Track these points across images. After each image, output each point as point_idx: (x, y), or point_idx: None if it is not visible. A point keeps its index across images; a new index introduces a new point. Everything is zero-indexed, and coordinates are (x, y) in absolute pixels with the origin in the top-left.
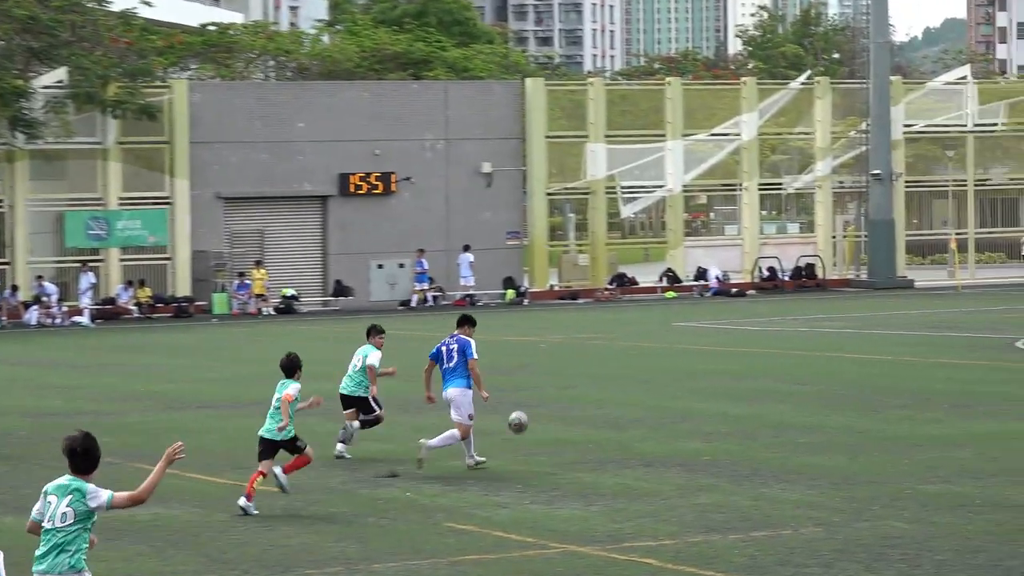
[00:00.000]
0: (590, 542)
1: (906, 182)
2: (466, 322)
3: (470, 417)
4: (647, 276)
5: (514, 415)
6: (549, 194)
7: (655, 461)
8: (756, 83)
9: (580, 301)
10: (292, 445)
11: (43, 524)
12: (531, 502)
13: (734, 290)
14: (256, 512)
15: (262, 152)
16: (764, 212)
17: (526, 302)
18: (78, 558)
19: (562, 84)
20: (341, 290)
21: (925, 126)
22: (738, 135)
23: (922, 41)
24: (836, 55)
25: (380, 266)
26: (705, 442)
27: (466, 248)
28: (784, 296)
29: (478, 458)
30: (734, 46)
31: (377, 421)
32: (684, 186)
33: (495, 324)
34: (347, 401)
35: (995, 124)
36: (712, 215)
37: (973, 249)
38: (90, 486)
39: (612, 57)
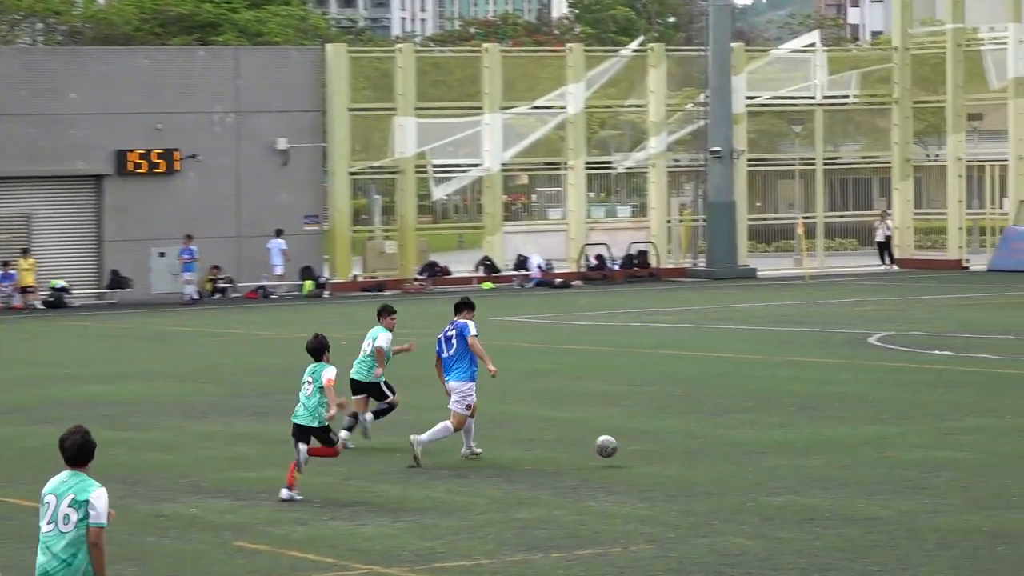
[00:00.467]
0: (397, 562)
1: (748, 160)
2: (464, 307)
3: (468, 407)
4: (461, 265)
5: (603, 441)
6: (352, 174)
7: (469, 472)
8: (583, 50)
9: (387, 293)
10: (324, 435)
11: (42, 528)
12: (331, 518)
13: (558, 280)
14: (300, 498)
15: (28, 126)
16: (592, 194)
17: (326, 294)
18: (88, 562)
19: (367, 51)
20: (118, 281)
21: (769, 98)
22: (563, 108)
23: (767, 4)
24: (672, 19)
25: (162, 254)
26: (525, 450)
27: (278, 233)
28: (614, 287)
29: (476, 449)
30: (559, 9)
31: (391, 408)
32: (503, 165)
33: (291, 319)
34: (357, 387)
35: (846, 96)
36: (534, 197)
37: (822, 235)
38: (93, 493)
39: (423, 21)
